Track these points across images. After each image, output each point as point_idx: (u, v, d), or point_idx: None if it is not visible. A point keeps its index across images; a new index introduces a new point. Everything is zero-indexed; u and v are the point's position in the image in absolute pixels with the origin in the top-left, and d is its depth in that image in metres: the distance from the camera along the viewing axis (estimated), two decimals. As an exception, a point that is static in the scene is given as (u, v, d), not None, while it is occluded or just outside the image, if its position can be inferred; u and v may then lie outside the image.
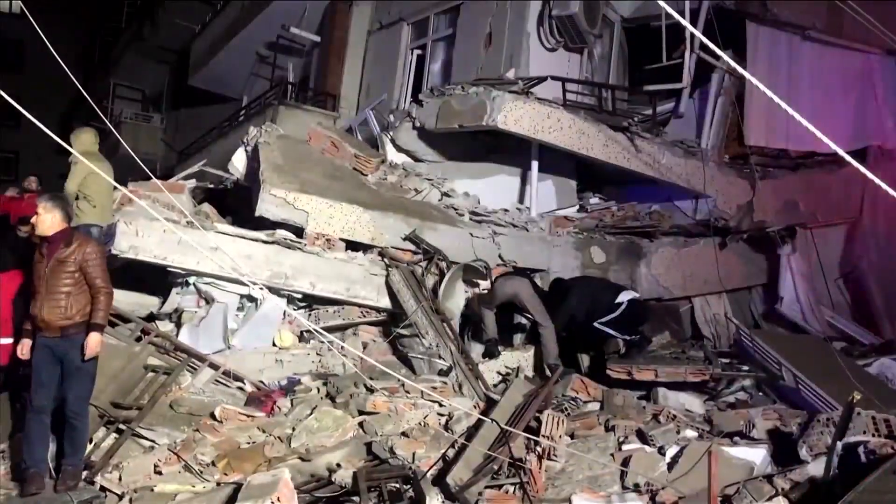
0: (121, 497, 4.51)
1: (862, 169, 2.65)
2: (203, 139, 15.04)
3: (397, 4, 12.02)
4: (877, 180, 2.50)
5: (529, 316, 7.33)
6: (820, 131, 2.72)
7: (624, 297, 7.04)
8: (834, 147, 2.64)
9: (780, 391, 6.70)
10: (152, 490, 4.53)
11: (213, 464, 4.96)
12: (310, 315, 7.09)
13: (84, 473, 4.59)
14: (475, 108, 8.12)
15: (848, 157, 2.70)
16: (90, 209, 6.56)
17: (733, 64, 2.87)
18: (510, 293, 7.12)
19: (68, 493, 4.33)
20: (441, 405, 5.72)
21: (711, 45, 3.10)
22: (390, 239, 7.65)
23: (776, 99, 2.56)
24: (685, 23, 2.88)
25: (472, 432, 5.20)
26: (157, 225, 6.33)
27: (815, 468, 4.18)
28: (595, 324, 6.91)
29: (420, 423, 5.53)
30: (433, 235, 7.80)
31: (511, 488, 4.59)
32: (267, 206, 7.26)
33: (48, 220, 4.62)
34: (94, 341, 4.51)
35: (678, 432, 5.30)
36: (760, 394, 6.80)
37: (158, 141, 19.94)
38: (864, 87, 10.23)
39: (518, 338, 7.74)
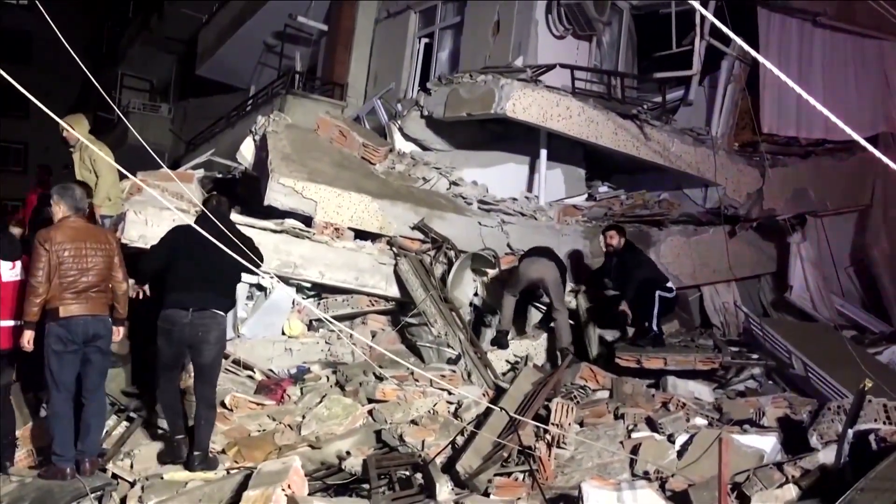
0: (132, 484, 4.53)
1: (879, 154, 2.61)
2: (211, 129, 15.04)
3: (405, -7, 11.98)
4: (893, 165, 2.47)
5: (546, 300, 7.29)
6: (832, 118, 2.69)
7: (673, 286, 7.39)
8: (852, 134, 2.60)
9: (789, 379, 6.69)
10: (163, 478, 4.56)
11: (224, 452, 4.99)
12: (319, 304, 7.10)
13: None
14: (483, 97, 8.09)
15: (865, 143, 2.66)
16: (106, 202, 6.56)
17: (746, 48, 2.83)
18: (535, 277, 6.96)
19: (81, 479, 4.35)
20: (450, 393, 5.74)
21: (724, 29, 3.07)
22: (399, 228, 7.65)
23: (791, 84, 2.52)
24: (697, 6, 2.84)
25: (481, 420, 5.22)
26: (167, 214, 6.35)
27: (826, 456, 4.18)
28: (657, 292, 7.03)
29: (429, 411, 5.55)
30: (441, 224, 7.79)
31: (520, 476, 4.60)
32: (275, 195, 7.26)
33: (57, 212, 4.60)
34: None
35: (688, 420, 5.31)
36: (770, 382, 6.78)
37: (166, 131, 19.95)
38: (875, 74, 10.13)
39: (531, 313, 7.69)
